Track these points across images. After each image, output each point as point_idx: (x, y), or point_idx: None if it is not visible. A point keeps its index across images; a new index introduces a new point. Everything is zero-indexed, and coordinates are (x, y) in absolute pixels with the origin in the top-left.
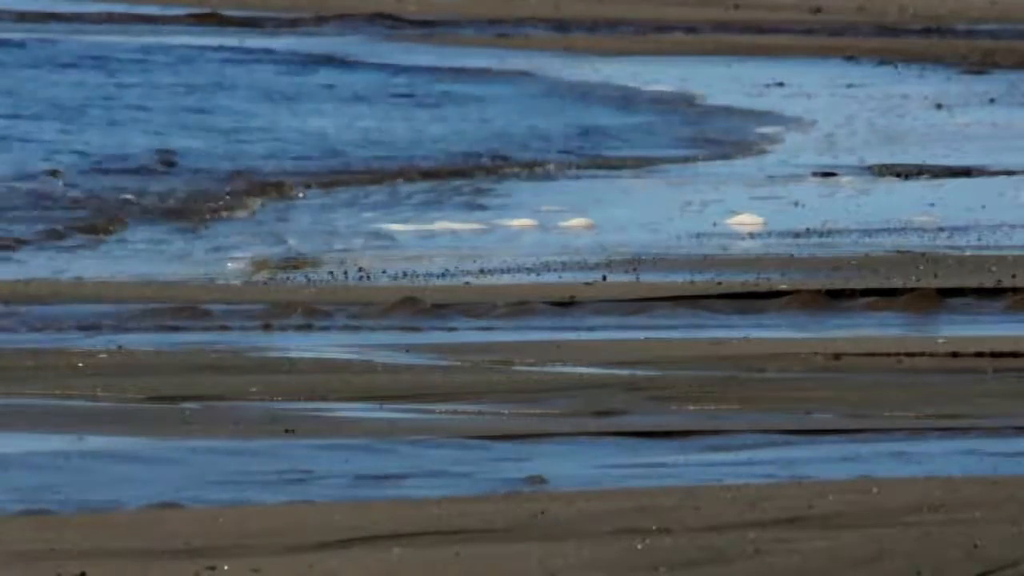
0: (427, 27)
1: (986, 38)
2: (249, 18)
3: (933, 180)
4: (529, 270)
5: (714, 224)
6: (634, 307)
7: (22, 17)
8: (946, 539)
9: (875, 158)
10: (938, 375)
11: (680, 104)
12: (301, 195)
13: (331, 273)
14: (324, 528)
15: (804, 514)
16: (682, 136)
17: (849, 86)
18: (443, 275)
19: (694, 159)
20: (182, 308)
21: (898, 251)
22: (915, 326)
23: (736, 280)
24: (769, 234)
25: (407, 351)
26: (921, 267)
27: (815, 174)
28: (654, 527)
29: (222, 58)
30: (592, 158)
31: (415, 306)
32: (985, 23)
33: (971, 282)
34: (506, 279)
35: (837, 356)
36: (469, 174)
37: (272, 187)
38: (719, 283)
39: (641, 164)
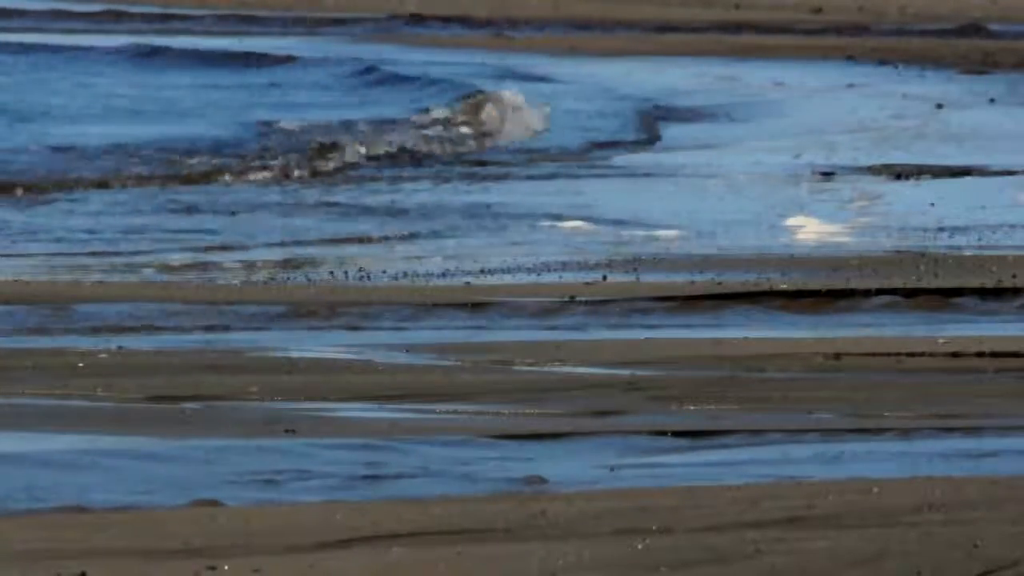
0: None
1: (986, 38)
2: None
3: (933, 180)
4: None
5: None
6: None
7: None
8: (946, 539)
9: (874, 157)
10: (938, 375)
11: None
12: None
13: None
14: (324, 528)
15: (804, 514)
16: None
17: (849, 86)
18: None
19: None
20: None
21: (898, 251)
22: (915, 326)
23: (736, 280)
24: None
25: (406, 351)
26: (921, 267)
27: (815, 173)
28: (654, 527)
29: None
30: None
31: None
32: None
33: (971, 282)
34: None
35: (837, 356)
36: None
37: None
38: (719, 283)
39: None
